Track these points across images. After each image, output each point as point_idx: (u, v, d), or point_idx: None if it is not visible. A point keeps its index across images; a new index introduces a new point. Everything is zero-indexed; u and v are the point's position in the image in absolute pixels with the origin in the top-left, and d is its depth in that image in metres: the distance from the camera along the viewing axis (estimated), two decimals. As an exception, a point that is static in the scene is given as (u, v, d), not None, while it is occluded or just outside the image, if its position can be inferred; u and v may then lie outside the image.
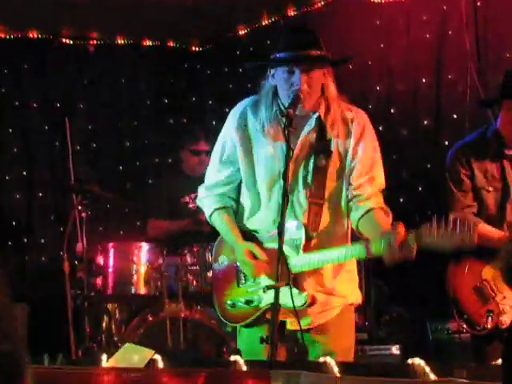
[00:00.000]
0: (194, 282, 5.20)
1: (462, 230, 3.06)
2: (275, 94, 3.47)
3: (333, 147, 3.49)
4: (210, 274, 5.09)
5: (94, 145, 7.13)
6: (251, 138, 3.56)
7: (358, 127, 3.51)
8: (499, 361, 2.71)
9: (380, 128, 5.56)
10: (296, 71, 3.36)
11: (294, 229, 3.44)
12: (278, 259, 3.15)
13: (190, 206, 5.86)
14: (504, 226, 4.29)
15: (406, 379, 2.73)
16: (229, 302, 3.62)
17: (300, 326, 3.24)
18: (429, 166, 6.01)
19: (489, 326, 4.12)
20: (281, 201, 3.22)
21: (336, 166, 3.51)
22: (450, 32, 5.90)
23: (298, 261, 3.42)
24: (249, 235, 3.60)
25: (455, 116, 5.82)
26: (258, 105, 3.55)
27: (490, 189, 4.32)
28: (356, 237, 3.52)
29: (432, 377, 2.71)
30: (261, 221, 3.57)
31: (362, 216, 3.44)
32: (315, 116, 3.48)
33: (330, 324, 3.54)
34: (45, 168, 6.92)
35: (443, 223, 3.07)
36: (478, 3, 5.66)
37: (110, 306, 5.48)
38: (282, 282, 3.14)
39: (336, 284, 3.54)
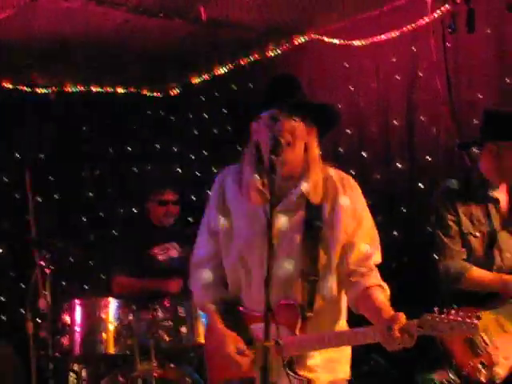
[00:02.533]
0: (167, 338, 4.96)
1: (464, 319, 2.91)
2: (258, 151, 3.23)
3: (325, 216, 3.24)
4: (183, 329, 4.91)
5: (56, 196, 6.91)
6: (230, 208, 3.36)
7: (353, 200, 3.28)
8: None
9: (352, 172, 5.42)
10: (280, 118, 3.16)
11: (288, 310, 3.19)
12: (266, 315, 2.90)
13: (159, 257, 5.67)
14: (493, 272, 4.17)
15: None
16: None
17: None
18: (404, 209, 5.88)
19: (483, 379, 3.95)
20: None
21: (326, 237, 3.24)
22: (420, 74, 5.81)
23: (293, 344, 3.15)
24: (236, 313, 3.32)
25: (429, 158, 5.71)
26: (240, 169, 3.32)
27: (477, 234, 4.21)
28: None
29: None
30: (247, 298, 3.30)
31: (359, 295, 3.21)
32: (301, 185, 3.24)
33: None
34: (4, 221, 6.66)
35: (445, 313, 2.93)
36: (448, 44, 5.59)
37: (76, 366, 5.20)
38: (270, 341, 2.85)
39: (327, 360, 3.30)
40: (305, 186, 3.24)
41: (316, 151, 3.27)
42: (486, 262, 4.19)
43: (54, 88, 6.78)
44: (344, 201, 3.25)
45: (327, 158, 3.35)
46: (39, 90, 6.78)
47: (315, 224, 3.23)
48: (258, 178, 3.21)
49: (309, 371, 3.23)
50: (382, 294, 3.18)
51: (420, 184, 5.69)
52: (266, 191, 3.10)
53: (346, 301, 3.32)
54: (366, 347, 5.49)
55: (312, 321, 3.20)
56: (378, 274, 3.28)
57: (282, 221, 3.24)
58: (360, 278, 3.21)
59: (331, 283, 3.25)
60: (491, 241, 4.19)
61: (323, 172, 3.29)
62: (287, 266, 3.22)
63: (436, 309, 2.93)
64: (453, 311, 2.91)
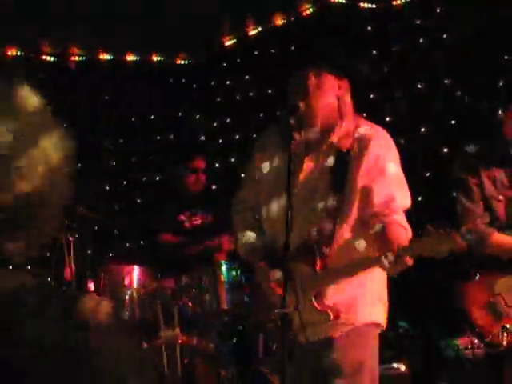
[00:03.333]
0: (191, 306, 4.99)
1: (448, 235, 2.95)
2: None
3: (352, 162, 3.28)
4: (206, 297, 4.93)
5: (79, 165, 6.92)
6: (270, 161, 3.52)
7: (379, 147, 3.28)
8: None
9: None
10: (307, 72, 3.27)
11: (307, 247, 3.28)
12: (285, 283, 2.97)
13: (186, 224, 5.73)
14: (517, 235, 4.12)
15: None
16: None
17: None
18: (428, 174, 5.84)
19: (504, 344, 3.92)
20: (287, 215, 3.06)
21: (354, 184, 3.29)
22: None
23: (315, 279, 3.24)
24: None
25: (453, 122, 5.65)
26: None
27: (501, 197, 4.14)
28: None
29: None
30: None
31: (378, 232, 3.18)
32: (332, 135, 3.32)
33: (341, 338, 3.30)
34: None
35: (428, 232, 2.93)
36: None
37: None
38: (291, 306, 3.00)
39: (354, 300, 3.32)
40: (335, 136, 3.32)
41: (348, 102, 3.34)
42: (510, 226, 4.14)
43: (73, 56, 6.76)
44: (371, 149, 3.27)
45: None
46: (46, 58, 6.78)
47: (342, 170, 3.31)
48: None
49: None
50: (399, 230, 3.14)
51: (445, 148, 5.65)
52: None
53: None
54: (393, 314, 5.51)
55: (332, 258, 3.26)
56: (403, 217, 3.24)
57: (310, 166, 3.37)
58: (382, 217, 3.19)
59: (352, 221, 3.29)
60: (513, 204, 4.14)
61: (355, 122, 3.34)
62: (310, 208, 3.32)
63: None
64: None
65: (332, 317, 3.21)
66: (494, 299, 4.03)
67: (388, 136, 3.38)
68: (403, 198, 3.29)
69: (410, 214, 5.55)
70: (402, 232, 3.18)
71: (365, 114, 5.82)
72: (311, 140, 3.35)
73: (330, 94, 3.30)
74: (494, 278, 4.09)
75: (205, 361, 4.98)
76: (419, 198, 5.91)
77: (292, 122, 3.18)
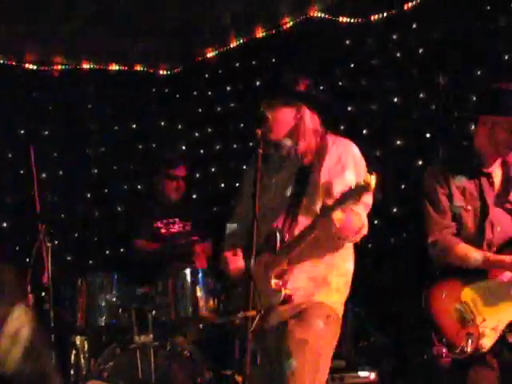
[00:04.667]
0: (165, 312, 5.05)
1: None
2: None
3: (310, 174, 3.67)
4: (181, 302, 5.00)
5: (61, 172, 6.98)
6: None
7: (335, 152, 3.69)
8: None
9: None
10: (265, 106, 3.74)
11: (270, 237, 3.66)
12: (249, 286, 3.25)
13: (162, 231, 5.82)
14: (483, 246, 4.19)
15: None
16: None
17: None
18: (403, 186, 5.93)
19: (469, 350, 3.99)
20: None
21: (313, 189, 3.66)
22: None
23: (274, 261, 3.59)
24: None
25: (427, 135, 5.75)
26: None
27: (469, 208, 4.22)
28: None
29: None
30: None
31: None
32: (288, 143, 3.76)
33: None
34: (9, 196, 6.75)
35: None
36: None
37: (78, 338, 5.30)
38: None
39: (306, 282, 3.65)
40: (299, 152, 3.75)
41: (307, 124, 3.78)
42: (477, 237, 4.20)
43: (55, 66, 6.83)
44: (332, 152, 3.70)
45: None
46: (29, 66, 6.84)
47: (304, 177, 3.69)
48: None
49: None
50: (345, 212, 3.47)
51: (419, 161, 5.74)
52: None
53: None
54: (366, 324, 5.59)
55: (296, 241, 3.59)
56: (360, 207, 3.56)
57: (278, 176, 3.80)
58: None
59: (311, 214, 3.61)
60: (483, 215, 4.21)
61: (319, 138, 3.77)
62: (277, 209, 3.73)
63: None
64: None
65: (282, 296, 3.50)
66: (459, 306, 4.12)
67: (351, 145, 3.77)
68: (366, 196, 3.51)
69: (385, 224, 5.63)
70: (356, 216, 3.54)
71: (342, 127, 6.01)
72: (276, 155, 3.78)
73: (286, 123, 3.74)
74: (460, 286, 4.17)
75: (180, 366, 5.03)
76: (394, 210, 6.01)
77: (259, 132, 3.57)
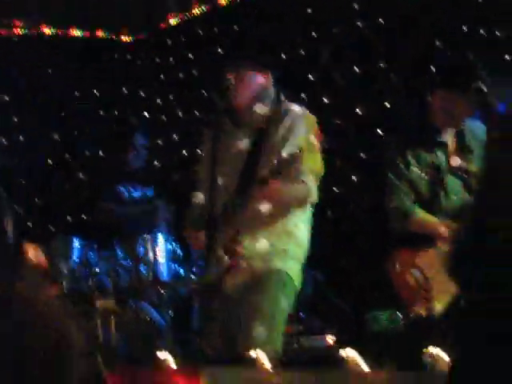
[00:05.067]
0: (126, 277, 5.10)
1: None
2: None
3: (265, 143, 3.76)
4: (142, 268, 5.05)
5: (21, 138, 6.95)
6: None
7: (292, 117, 3.77)
8: (430, 348, 2.68)
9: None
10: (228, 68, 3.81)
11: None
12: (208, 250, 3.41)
13: (125, 196, 5.89)
14: (439, 213, 4.30)
15: (339, 371, 2.69)
16: None
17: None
18: (362, 155, 6.01)
19: (422, 313, 4.12)
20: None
21: (266, 148, 3.76)
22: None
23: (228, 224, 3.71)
24: None
25: (387, 105, 5.82)
26: None
27: (425, 176, 4.32)
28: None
29: (364, 367, 2.67)
30: None
31: None
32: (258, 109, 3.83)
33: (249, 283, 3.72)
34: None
35: None
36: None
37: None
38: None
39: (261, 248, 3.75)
40: (255, 117, 3.82)
41: (269, 89, 3.87)
42: (433, 205, 4.32)
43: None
44: (286, 121, 3.76)
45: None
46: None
47: (259, 145, 3.77)
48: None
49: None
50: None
51: (378, 130, 5.81)
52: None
53: None
54: (325, 290, 5.67)
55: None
56: (303, 174, 3.67)
57: (235, 145, 3.84)
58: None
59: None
60: (438, 184, 4.32)
61: (278, 103, 3.85)
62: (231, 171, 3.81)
63: None
64: None
65: (226, 264, 3.62)
66: (414, 271, 4.25)
67: (310, 117, 3.86)
68: (313, 162, 3.61)
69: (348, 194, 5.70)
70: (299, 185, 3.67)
71: (303, 95, 6.05)
72: (235, 120, 3.84)
73: (251, 88, 3.79)
74: (416, 251, 4.29)
75: (141, 330, 5.09)
76: (354, 178, 6.09)
77: (218, 100, 3.70)
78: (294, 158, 3.55)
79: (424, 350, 2.77)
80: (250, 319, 3.58)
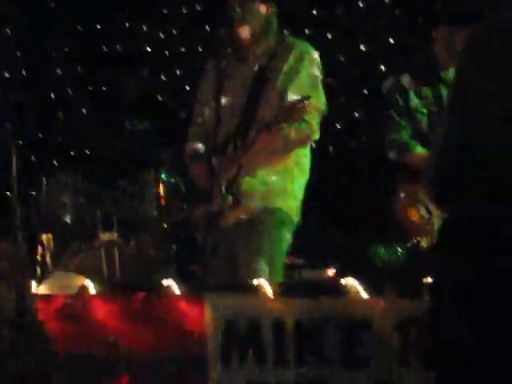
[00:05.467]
0: (130, 211, 5.15)
1: None
2: None
3: (267, 73, 3.75)
4: (144, 204, 5.10)
5: (24, 72, 6.95)
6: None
7: (296, 53, 3.75)
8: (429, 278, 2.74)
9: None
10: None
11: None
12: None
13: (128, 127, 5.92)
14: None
15: (338, 297, 2.76)
16: None
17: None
18: (365, 91, 6.02)
19: (424, 245, 4.21)
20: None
21: (269, 85, 3.74)
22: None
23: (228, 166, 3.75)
24: None
25: (392, 41, 5.81)
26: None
27: (425, 111, 4.35)
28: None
29: (364, 295, 2.74)
30: None
31: None
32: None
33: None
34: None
35: None
36: None
37: (43, 236, 5.40)
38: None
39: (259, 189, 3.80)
40: (259, 50, 3.81)
41: (274, 22, 3.86)
42: (431, 140, 4.37)
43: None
44: (289, 56, 3.77)
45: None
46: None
47: (262, 79, 3.76)
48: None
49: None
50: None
51: (381, 67, 5.82)
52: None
53: None
54: (326, 224, 5.72)
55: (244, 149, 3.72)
56: (315, 118, 3.72)
57: (237, 76, 3.84)
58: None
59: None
60: (438, 119, 4.35)
61: (282, 38, 3.85)
62: (234, 105, 3.81)
63: None
64: None
65: (230, 200, 3.65)
66: (417, 205, 4.31)
67: (310, 47, 3.85)
68: (316, 100, 3.57)
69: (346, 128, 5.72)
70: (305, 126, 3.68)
71: (306, 31, 6.03)
72: (238, 54, 3.83)
73: (256, 17, 3.76)
74: (418, 187, 4.34)
75: (144, 264, 5.17)
76: (356, 114, 6.11)
77: (223, 33, 3.73)
78: (300, 104, 3.57)
79: (423, 279, 2.83)
80: (250, 255, 3.65)
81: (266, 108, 3.72)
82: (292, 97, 3.61)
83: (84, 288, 2.92)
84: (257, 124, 3.71)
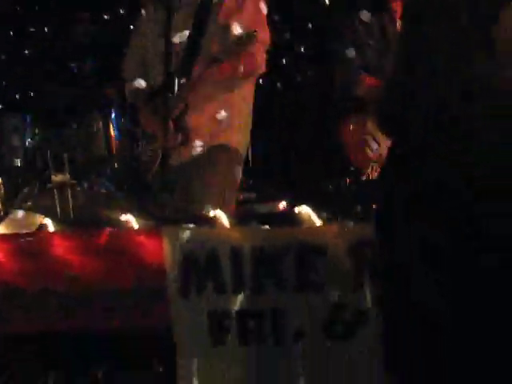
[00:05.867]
0: (81, 153, 5.15)
1: None
2: None
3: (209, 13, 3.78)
4: (95, 143, 5.10)
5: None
6: None
7: None
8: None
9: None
10: None
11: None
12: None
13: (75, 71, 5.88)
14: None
15: (293, 226, 2.84)
16: None
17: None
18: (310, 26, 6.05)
19: (373, 174, 4.31)
20: None
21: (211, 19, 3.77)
22: None
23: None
24: None
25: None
26: None
27: (371, 43, 4.42)
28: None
29: (317, 222, 2.82)
30: None
31: None
32: None
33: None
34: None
35: None
36: None
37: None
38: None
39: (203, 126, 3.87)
40: None
41: None
42: (379, 71, 4.45)
43: None
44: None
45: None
46: None
47: (203, 16, 3.79)
48: None
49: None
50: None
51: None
52: None
53: None
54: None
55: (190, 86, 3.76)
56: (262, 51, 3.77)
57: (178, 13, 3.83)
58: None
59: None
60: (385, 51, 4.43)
61: None
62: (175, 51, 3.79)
63: None
64: None
65: (180, 138, 3.59)
66: (365, 137, 4.40)
67: None
68: (262, 33, 3.61)
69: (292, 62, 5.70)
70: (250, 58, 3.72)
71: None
72: None
73: None
74: (366, 118, 4.42)
75: (98, 204, 5.20)
76: (301, 49, 6.15)
77: None
78: (247, 37, 3.58)
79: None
80: (202, 193, 3.70)
81: (211, 42, 3.74)
82: (237, 29, 3.60)
83: (43, 226, 2.95)
84: (201, 58, 3.73)
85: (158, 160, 3.76)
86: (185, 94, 3.74)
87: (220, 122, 3.84)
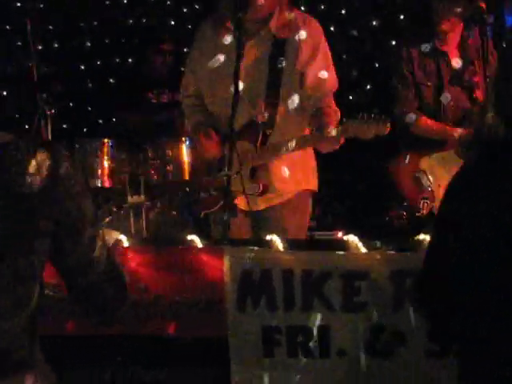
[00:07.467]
0: (155, 176, 5.50)
1: (377, 121, 3.51)
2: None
3: (288, 48, 3.81)
4: (169, 167, 5.43)
5: (56, 45, 7.27)
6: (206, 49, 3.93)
7: (311, 34, 3.83)
8: (421, 235, 3.12)
9: (331, 28, 5.85)
10: None
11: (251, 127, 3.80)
12: (231, 149, 3.54)
13: (153, 101, 6.22)
14: (441, 120, 4.69)
15: (341, 252, 3.15)
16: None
17: (249, 207, 3.69)
18: (376, 65, 6.31)
19: (424, 212, 4.55)
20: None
21: (290, 68, 3.82)
22: None
23: (254, 155, 3.83)
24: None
25: (401, 17, 6.10)
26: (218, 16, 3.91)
27: (429, 84, 4.68)
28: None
29: (363, 250, 3.13)
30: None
31: (313, 114, 3.80)
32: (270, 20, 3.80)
33: (283, 205, 3.95)
34: (7, 67, 7.04)
35: (361, 117, 3.49)
36: None
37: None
38: (233, 171, 3.58)
39: (291, 173, 3.91)
40: (273, 24, 3.81)
41: None
42: (434, 111, 4.71)
43: None
44: (302, 34, 3.80)
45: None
46: None
47: (279, 56, 3.80)
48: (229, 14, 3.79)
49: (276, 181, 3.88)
50: (333, 114, 3.77)
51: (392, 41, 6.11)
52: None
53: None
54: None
55: (272, 137, 3.82)
56: (332, 99, 3.86)
57: (251, 53, 3.81)
58: (316, 101, 3.78)
59: (291, 107, 3.81)
60: (439, 91, 4.69)
61: (290, 13, 3.85)
62: (253, 91, 3.82)
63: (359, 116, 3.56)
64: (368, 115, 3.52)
65: (260, 189, 3.82)
66: (418, 174, 4.66)
67: (317, 23, 3.92)
68: (332, 81, 3.87)
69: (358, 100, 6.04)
70: (334, 114, 3.80)
71: (321, 7, 6.32)
72: (250, 28, 3.81)
73: None
74: (419, 156, 4.69)
75: (169, 223, 5.55)
76: (368, 87, 6.43)
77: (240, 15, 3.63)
78: (320, 83, 3.76)
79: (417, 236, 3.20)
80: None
81: (289, 89, 3.80)
82: (315, 75, 3.75)
83: (119, 241, 3.29)
84: (283, 106, 3.79)
85: (221, 203, 3.84)
86: (273, 154, 3.83)
87: (298, 166, 3.96)
